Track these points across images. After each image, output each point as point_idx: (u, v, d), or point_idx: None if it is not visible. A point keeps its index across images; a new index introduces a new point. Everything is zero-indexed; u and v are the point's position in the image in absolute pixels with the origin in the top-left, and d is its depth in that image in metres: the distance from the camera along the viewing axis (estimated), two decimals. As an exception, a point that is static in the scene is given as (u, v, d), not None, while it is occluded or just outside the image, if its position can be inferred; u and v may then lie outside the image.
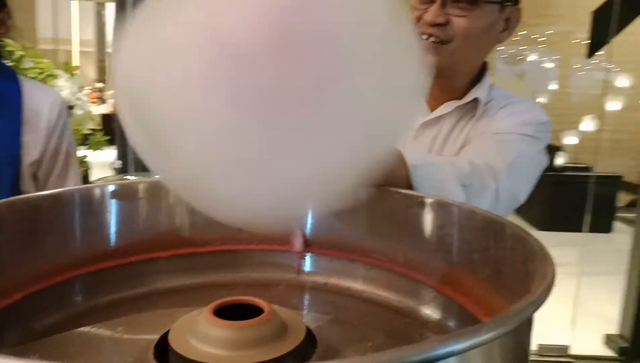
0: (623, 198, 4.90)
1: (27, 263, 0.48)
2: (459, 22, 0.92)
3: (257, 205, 0.39)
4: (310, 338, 0.45)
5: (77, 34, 10.34)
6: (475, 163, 0.83)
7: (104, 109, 6.28)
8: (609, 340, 2.49)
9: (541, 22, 5.82)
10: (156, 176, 0.47)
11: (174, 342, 0.41)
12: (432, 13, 0.91)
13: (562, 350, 2.28)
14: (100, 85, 9.90)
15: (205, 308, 0.43)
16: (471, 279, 0.52)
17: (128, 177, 1.95)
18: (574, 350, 2.27)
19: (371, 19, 0.40)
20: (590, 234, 2.80)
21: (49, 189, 1.08)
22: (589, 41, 4.46)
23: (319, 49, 0.37)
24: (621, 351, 2.39)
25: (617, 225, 4.64)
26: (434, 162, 0.79)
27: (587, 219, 2.75)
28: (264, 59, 0.35)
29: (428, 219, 0.59)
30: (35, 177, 1.07)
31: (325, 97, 0.37)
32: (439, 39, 0.92)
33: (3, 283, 0.46)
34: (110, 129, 2.65)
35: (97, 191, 0.53)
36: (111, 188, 0.54)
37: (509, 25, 0.97)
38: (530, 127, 0.95)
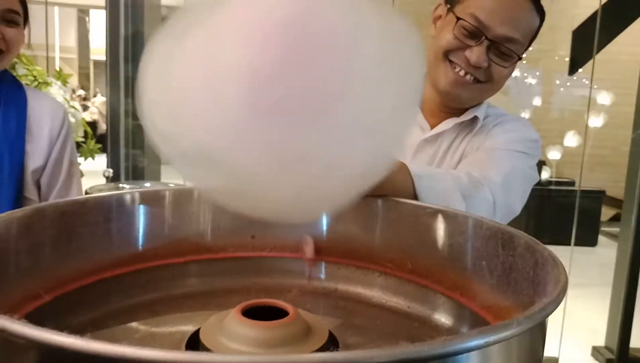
0: (606, 213, 5.01)
1: (57, 266, 0.50)
2: (501, 70, 0.97)
3: (293, 202, 0.41)
4: (332, 339, 0.47)
5: (58, 40, 10.30)
6: (472, 175, 0.86)
7: (88, 116, 6.27)
8: (596, 351, 2.53)
9: (523, 40, 5.95)
10: (170, 184, 0.49)
11: (205, 339, 0.43)
12: (478, 56, 0.94)
13: (551, 362, 2.32)
14: (82, 92, 9.83)
15: (234, 309, 0.45)
16: (480, 285, 0.55)
17: (122, 185, 1.95)
18: (562, 362, 2.31)
19: (376, 32, 0.43)
20: (575, 247, 2.87)
21: (53, 198, 1.09)
22: (570, 59, 4.58)
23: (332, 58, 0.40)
24: (608, 362, 2.44)
25: (601, 239, 4.74)
26: (437, 173, 0.83)
27: (572, 233, 2.81)
28: (285, 67, 0.38)
29: (436, 228, 0.61)
30: (38, 185, 1.08)
31: (339, 106, 0.40)
32: (477, 79, 0.97)
33: (34, 285, 0.47)
34: (99, 137, 2.65)
35: (127, 198, 0.55)
36: (138, 195, 0.55)
37: (505, 79, 1.03)
38: (523, 144, 1.00)
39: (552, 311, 0.36)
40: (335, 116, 0.40)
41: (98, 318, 0.52)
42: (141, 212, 0.57)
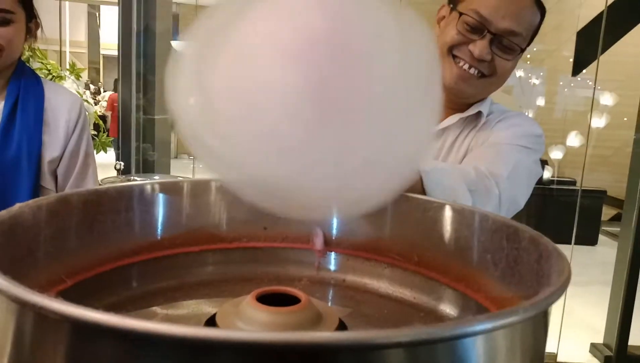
0: (607, 212, 5.03)
1: (79, 252, 0.52)
2: (504, 63, 0.99)
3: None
4: (342, 326, 0.49)
5: (68, 34, 10.34)
6: (479, 169, 0.88)
7: (98, 110, 6.32)
8: (594, 348, 2.56)
9: (528, 40, 5.95)
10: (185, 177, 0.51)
11: (222, 323, 0.45)
12: (481, 49, 0.96)
13: (549, 358, 2.34)
14: (93, 87, 9.86)
15: (249, 295, 0.47)
16: (485, 277, 0.57)
17: (133, 178, 1.98)
18: (561, 358, 2.33)
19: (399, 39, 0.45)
20: (576, 246, 2.89)
21: (69, 187, 1.12)
22: (574, 60, 4.59)
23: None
24: (606, 359, 2.46)
25: (602, 238, 4.76)
26: (444, 168, 0.85)
27: (573, 231, 2.83)
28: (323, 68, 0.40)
29: (442, 222, 0.63)
30: (55, 174, 1.11)
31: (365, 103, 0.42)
32: (482, 73, 0.99)
33: (57, 270, 0.50)
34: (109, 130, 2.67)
35: (147, 188, 0.57)
36: (158, 185, 0.58)
37: (509, 73, 1.05)
38: (527, 139, 1.02)
39: (556, 300, 0.37)
40: (377, 119, 0.42)
41: (117, 303, 0.54)
42: (160, 202, 0.59)
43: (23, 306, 0.31)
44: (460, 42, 0.98)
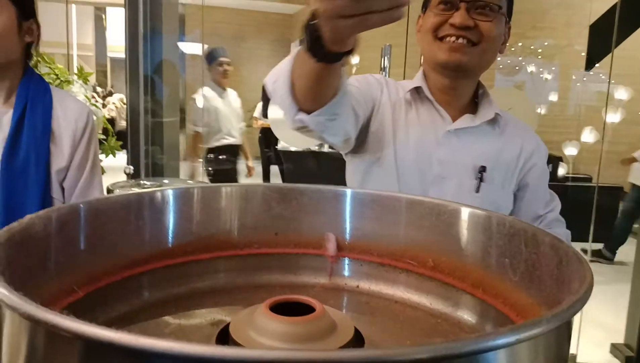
0: (623, 209, 4.94)
1: (90, 262, 0.51)
2: (486, 25, 1.03)
3: None
4: (357, 335, 0.48)
5: (76, 38, 10.43)
6: (562, 229, 1.17)
7: (106, 113, 6.35)
8: (615, 349, 2.51)
9: (537, 35, 5.91)
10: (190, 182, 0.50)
11: (235, 333, 0.44)
12: (461, 17, 1.02)
13: (569, 359, 2.31)
14: (101, 90, 9.95)
15: (262, 304, 0.46)
16: (503, 282, 0.55)
17: (143, 182, 1.98)
18: (581, 359, 2.29)
19: None
20: (593, 244, 2.84)
21: (75, 197, 1.11)
22: (587, 54, 4.52)
23: None
24: (627, 360, 2.42)
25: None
26: None
27: (590, 229, 2.78)
28: None
29: (458, 227, 0.62)
30: (62, 185, 1.10)
31: None
32: (470, 40, 1.03)
33: (68, 281, 0.49)
34: (117, 134, 2.69)
35: (157, 196, 0.56)
36: (168, 193, 0.57)
37: (506, 39, 1.12)
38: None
39: (579, 309, 0.36)
40: None
41: (130, 313, 0.53)
42: (171, 210, 0.59)
43: (35, 323, 0.31)
44: (440, 22, 1.04)
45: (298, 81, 0.83)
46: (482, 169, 1.08)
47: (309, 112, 0.86)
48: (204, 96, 3.60)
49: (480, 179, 1.08)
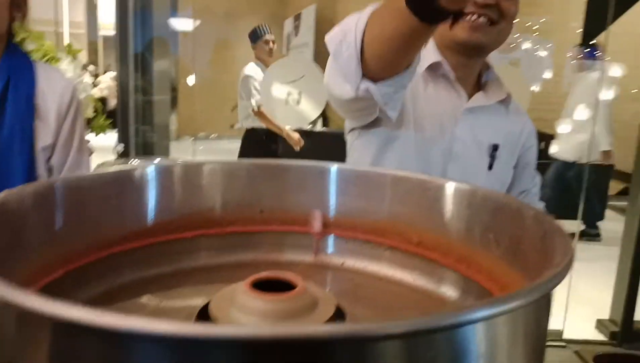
0: (614, 186, 4.98)
1: (68, 240, 0.50)
2: (508, 5, 1.02)
3: None
4: (339, 311, 0.48)
5: (67, 15, 10.23)
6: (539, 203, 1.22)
7: (98, 92, 6.26)
8: (600, 324, 2.55)
9: (534, 12, 5.85)
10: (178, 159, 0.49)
11: (215, 312, 0.44)
12: None
13: (555, 335, 2.34)
14: (93, 67, 9.80)
15: (243, 282, 0.46)
16: (487, 257, 0.55)
17: (133, 161, 1.96)
18: (567, 335, 2.33)
19: None
20: (583, 221, 2.86)
21: (64, 175, 1.10)
22: (583, 31, 4.49)
23: None
24: (612, 335, 2.46)
25: (608, 213, 4.72)
26: None
27: (580, 206, 2.80)
28: None
29: (443, 202, 0.61)
30: (49, 163, 1.08)
31: None
32: (491, 19, 1.02)
33: (46, 260, 0.48)
34: (109, 113, 2.65)
35: (136, 173, 0.55)
36: (147, 170, 0.56)
37: (514, 17, 1.10)
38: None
39: (558, 284, 0.36)
40: None
41: (109, 292, 0.53)
42: (151, 187, 0.57)
43: (4, 303, 0.30)
44: None
45: (374, 44, 0.74)
46: (495, 147, 1.10)
47: (374, 81, 0.79)
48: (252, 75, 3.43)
49: (493, 158, 1.09)
